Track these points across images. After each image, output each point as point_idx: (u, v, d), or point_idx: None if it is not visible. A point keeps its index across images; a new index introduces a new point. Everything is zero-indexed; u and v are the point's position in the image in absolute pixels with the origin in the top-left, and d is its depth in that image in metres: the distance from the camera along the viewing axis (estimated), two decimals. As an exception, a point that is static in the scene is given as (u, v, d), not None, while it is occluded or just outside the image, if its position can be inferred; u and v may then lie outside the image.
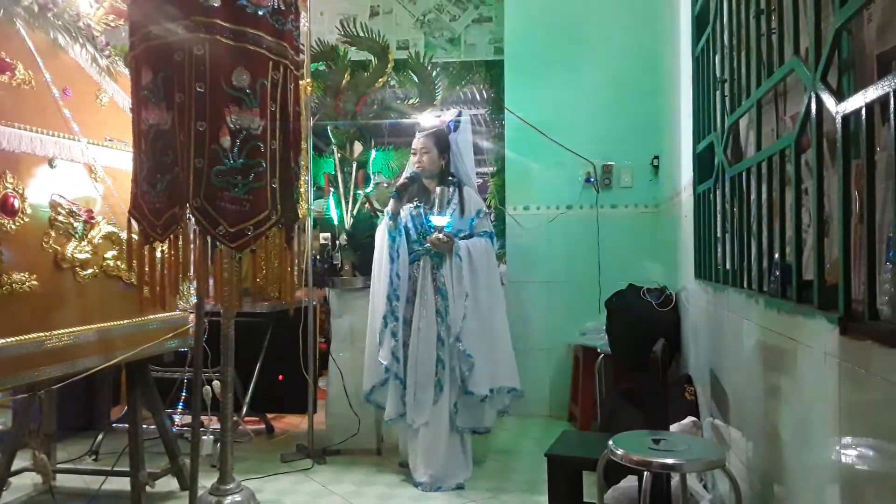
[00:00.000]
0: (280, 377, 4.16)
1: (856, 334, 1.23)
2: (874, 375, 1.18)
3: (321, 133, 4.06)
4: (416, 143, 3.47)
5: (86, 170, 2.63)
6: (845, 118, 1.29)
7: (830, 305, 1.39)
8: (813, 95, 1.45)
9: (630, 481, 2.72)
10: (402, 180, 3.47)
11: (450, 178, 3.46)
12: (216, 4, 1.96)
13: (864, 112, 1.19)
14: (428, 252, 3.36)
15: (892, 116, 1.08)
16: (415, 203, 3.43)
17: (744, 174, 2.16)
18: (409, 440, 3.41)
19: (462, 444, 3.37)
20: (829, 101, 1.37)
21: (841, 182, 1.30)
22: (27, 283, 2.31)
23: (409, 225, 3.40)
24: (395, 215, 3.39)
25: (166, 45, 1.97)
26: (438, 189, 3.34)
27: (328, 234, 4.07)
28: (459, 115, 3.58)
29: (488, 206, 4.65)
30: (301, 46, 2.32)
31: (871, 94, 1.17)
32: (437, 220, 3.28)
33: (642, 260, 4.30)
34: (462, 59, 4.99)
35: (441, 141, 3.46)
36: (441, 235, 3.28)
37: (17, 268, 2.29)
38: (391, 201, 3.43)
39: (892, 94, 1.07)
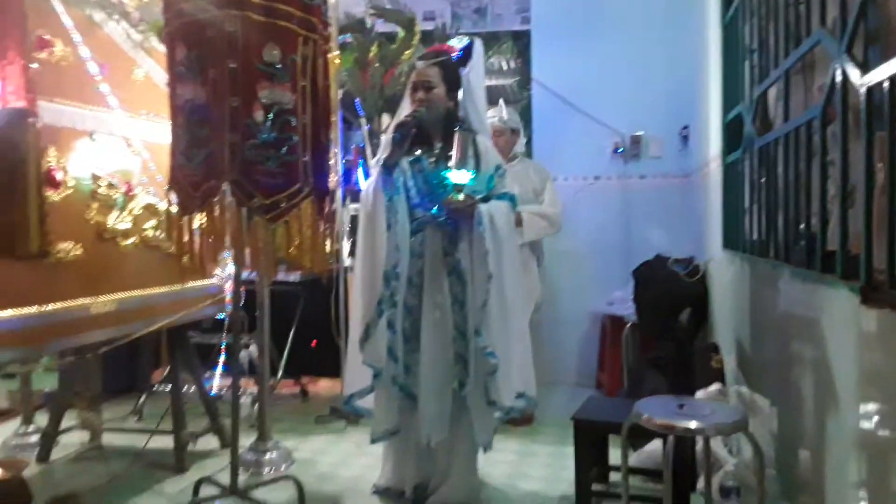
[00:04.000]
0: (313, 343, 4.27)
1: (876, 303, 1.26)
2: (893, 343, 1.21)
3: (350, 106, 4.10)
4: (418, 74, 2.62)
5: (123, 143, 2.72)
6: (869, 90, 1.30)
7: (853, 275, 1.41)
8: (838, 67, 1.46)
9: (655, 445, 2.78)
10: (403, 117, 2.58)
11: (459, 123, 2.65)
12: (247, -19, 2.00)
13: (887, 84, 1.21)
14: (437, 219, 2.54)
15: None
16: (414, 154, 2.60)
17: (772, 145, 2.16)
18: (399, 457, 2.75)
19: (471, 465, 2.76)
20: (853, 73, 1.38)
21: (864, 154, 1.31)
22: (72, 252, 2.41)
23: (409, 183, 2.57)
24: (391, 167, 2.52)
25: (199, 21, 2.03)
26: (458, 134, 2.57)
27: (357, 206, 4.14)
28: (471, 42, 2.79)
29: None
30: (329, 20, 2.36)
31: (893, 68, 1.18)
32: (458, 177, 2.45)
33: (670, 230, 4.31)
34: (489, 29, 4.97)
35: (450, 74, 2.64)
36: (462, 197, 2.45)
37: (62, 237, 2.39)
38: (387, 146, 2.57)
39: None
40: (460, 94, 2.67)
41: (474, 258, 2.51)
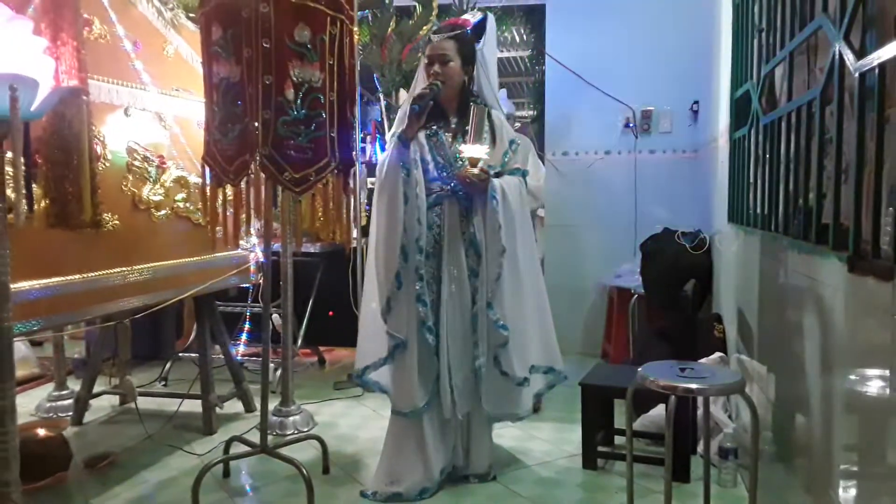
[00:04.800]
0: (331, 313, 4.42)
1: (860, 271, 1.38)
2: (873, 306, 1.33)
3: (368, 81, 4.20)
4: (434, 48, 2.61)
5: (156, 118, 2.84)
6: (862, 75, 1.41)
7: (843, 246, 1.53)
8: (836, 52, 1.56)
9: (659, 410, 2.92)
10: (420, 90, 2.57)
11: (474, 97, 2.70)
12: (279, -36, 2.11)
13: (877, 71, 1.32)
14: (456, 192, 2.58)
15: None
16: (431, 128, 2.62)
17: (776, 122, 2.27)
18: (407, 441, 2.62)
19: (489, 434, 2.80)
20: (849, 58, 1.49)
21: (856, 134, 1.43)
22: (111, 223, 2.55)
23: (427, 157, 2.59)
24: (408, 140, 2.52)
25: (234, 2, 2.14)
26: (474, 108, 2.62)
27: (374, 179, 4.25)
28: (484, 17, 2.79)
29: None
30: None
31: (884, 54, 1.29)
32: (474, 151, 2.50)
33: (679, 205, 4.41)
34: (504, 3, 5.03)
35: (466, 47, 2.65)
36: (476, 170, 2.50)
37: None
38: (404, 119, 2.55)
39: (899, 56, 1.20)
40: (475, 68, 2.69)
41: (487, 232, 2.54)
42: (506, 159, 2.64)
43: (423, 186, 2.54)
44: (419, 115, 2.50)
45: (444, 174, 2.59)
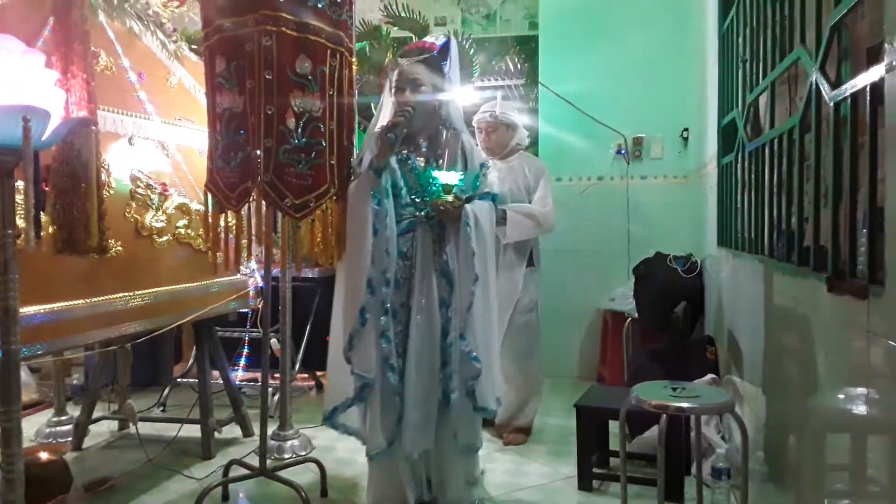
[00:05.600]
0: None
1: (839, 291, 1.44)
2: (851, 324, 1.39)
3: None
4: (405, 73, 2.52)
5: (158, 146, 2.91)
6: (837, 104, 1.49)
7: (823, 268, 1.60)
8: (813, 82, 1.64)
9: (654, 432, 2.96)
10: (395, 118, 2.46)
11: (444, 121, 2.60)
12: (282, -1, 2.20)
13: (849, 100, 1.39)
14: (429, 219, 2.47)
15: (867, 107, 1.28)
16: (402, 153, 2.53)
17: (760, 149, 2.35)
18: (390, 474, 2.53)
19: (468, 465, 2.64)
20: (825, 87, 1.57)
21: (832, 160, 1.50)
22: (114, 249, 2.61)
23: (399, 182, 2.47)
24: (380, 169, 2.40)
25: (238, 36, 2.22)
26: (444, 132, 2.55)
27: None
28: (448, 39, 2.68)
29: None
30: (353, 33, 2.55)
31: (857, 83, 1.37)
32: (447, 178, 2.40)
33: (670, 229, 4.48)
34: (498, 34, 5.16)
35: (437, 72, 2.55)
36: (450, 198, 2.40)
37: (107, 235, 2.59)
38: (374, 148, 2.44)
39: (868, 88, 1.27)
40: (443, 90, 2.58)
41: (460, 260, 2.44)
42: (477, 183, 2.55)
43: (394, 215, 2.42)
44: (392, 144, 2.42)
45: (417, 200, 2.49)
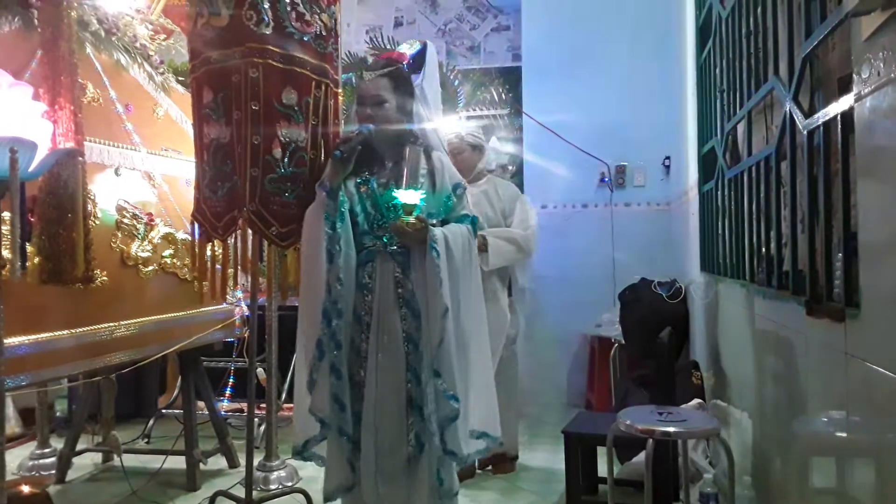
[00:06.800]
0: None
1: (817, 314, 1.47)
2: (830, 346, 1.42)
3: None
4: (366, 88, 2.30)
5: (145, 177, 2.93)
6: (810, 132, 1.53)
7: (802, 291, 1.63)
8: (787, 111, 1.69)
9: (641, 458, 2.97)
10: (346, 132, 2.32)
11: (412, 139, 2.34)
12: (268, 32, 2.23)
13: (821, 129, 1.44)
14: (388, 247, 2.23)
15: (839, 135, 1.32)
16: (363, 175, 2.29)
17: (738, 176, 2.40)
18: None
19: None
20: (798, 117, 1.61)
21: (807, 187, 1.54)
22: (99, 279, 2.60)
23: (357, 208, 2.25)
24: (334, 190, 2.21)
25: (225, 68, 2.25)
26: (408, 149, 2.30)
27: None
28: (423, 46, 2.49)
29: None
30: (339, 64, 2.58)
31: (829, 112, 1.42)
32: (407, 197, 2.15)
33: (654, 255, 4.53)
34: (482, 66, 5.25)
35: (402, 85, 2.32)
36: (412, 220, 2.14)
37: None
38: (329, 166, 2.26)
39: (839, 117, 1.32)
40: (413, 105, 2.34)
41: (428, 290, 2.16)
42: (450, 204, 2.29)
43: (352, 242, 2.21)
44: (344, 161, 2.21)
45: (376, 227, 2.25)
